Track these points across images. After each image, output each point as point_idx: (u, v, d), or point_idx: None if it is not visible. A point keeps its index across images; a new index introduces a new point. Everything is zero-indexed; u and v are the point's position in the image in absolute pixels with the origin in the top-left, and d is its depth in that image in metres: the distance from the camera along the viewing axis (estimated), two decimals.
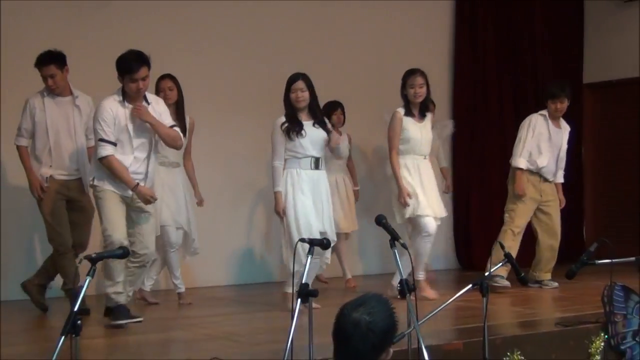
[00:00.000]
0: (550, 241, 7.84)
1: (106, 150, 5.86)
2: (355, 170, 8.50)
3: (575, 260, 5.32)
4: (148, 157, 6.07)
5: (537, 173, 7.75)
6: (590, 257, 5.12)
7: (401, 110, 7.02)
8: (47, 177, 6.64)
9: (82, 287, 3.65)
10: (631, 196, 8.99)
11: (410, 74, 7.01)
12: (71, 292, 6.66)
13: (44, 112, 6.63)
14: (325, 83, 7.64)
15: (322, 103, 7.67)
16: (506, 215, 7.76)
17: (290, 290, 6.30)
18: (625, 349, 5.65)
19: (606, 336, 5.61)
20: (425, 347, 4.13)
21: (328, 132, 6.60)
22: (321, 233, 6.46)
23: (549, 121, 7.76)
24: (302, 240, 4.46)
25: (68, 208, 6.76)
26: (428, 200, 6.98)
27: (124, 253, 4.17)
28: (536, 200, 7.77)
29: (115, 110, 5.90)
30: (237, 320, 6.51)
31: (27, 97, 6.66)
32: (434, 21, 10.00)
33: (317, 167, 6.58)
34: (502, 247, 4.78)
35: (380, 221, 4.63)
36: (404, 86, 7.01)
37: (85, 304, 5.65)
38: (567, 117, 8.54)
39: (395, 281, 6.87)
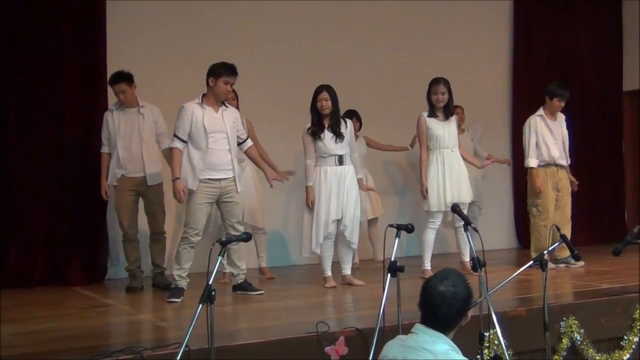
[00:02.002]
0: (566, 228, 7.42)
1: (174, 143, 5.98)
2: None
3: (620, 240, 5.20)
4: (230, 151, 6.07)
5: (553, 164, 7.50)
6: (634, 237, 5.00)
7: (425, 113, 6.93)
8: (118, 177, 6.75)
9: (214, 265, 3.69)
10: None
11: (435, 82, 6.91)
12: (131, 273, 6.85)
13: (114, 123, 6.77)
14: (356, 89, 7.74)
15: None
16: (533, 209, 7.45)
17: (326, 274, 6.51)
18: None
19: None
20: (495, 313, 4.12)
21: (341, 136, 6.48)
22: (337, 220, 6.45)
23: (546, 119, 7.50)
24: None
25: (143, 202, 6.89)
26: (452, 189, 6.82)
27: (247, 237, 4.22)
28: (554, 188, 7.50)
29: (192, 111, 5.98)
30: (322, 293, 6.39)
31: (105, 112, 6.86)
32: (493, 44, 9.86)
33: (341, 163, 6.51)
34: (558, 229, 4.69)
35: (455, 209, 4.62)
36: (429, 92, 6.92)
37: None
38: (610, 119, 8.32)
39: (466, 258, 6.86)
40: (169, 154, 6.20)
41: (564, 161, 7.57)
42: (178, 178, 5.90)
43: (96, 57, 7.44)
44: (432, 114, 6.93)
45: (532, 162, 7.44)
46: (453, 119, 7.03)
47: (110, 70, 7.37)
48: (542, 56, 9.92)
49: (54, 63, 7.30)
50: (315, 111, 6.50)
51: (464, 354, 3.14)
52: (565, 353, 5.08)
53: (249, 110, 7.28)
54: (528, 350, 4.92)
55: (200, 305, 3.58)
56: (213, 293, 3.59)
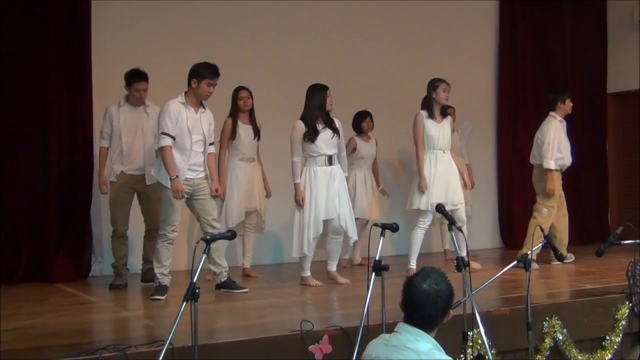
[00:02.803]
0: (565, 221, 7.65)
1: (165, 141, 5.88)
2: (378, 172, 8.29)
3: (603, 241, 5.23)
4: (204, 153, 6.08)
5: (560, 170, 7.62)
6: (616, 239, 5.03)
7: (423, 112, 6.89)
8: (118, 173, 6.70)
9: (199, 262, 3.68)
10: None
11: (441, 81, 6.87)
12: (116, 270, 6.78)
13: (119, 118, 6.71)
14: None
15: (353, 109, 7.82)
16: (544, 210, 7.47)
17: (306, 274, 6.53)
18: None
19: (630, 304, 5.51)
20: (478, 313, 4.13)
21: (337, 132, 6.52)
22: (327, 220, 6.45)
23: (562, 124, 7.65)
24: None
25: (138, 199, 6.84)
26: (440, 191, 6.80)
27: (232, 235, 4.21)
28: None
29: (177, 110, 5.92)
30: (307, 291, 6.39)
31: (106, 105, 6.79)
32: (478, 44, 9.89)
33: (330, 163, 6.49)
34: (542, 230, 4.71)
35: (440, 209, 4.63)
36: (434, 90, 6.83)
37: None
38: (594, 121, 8.40)
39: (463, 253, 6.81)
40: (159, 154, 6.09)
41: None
42: (177, 177, 5.84)
43: (81, 57, 7.38)
44: (431, 114, 6.88)
45: (552, 163, 7.48)
46: (448, 121, 7.02)
47: (95, 70, 7.37)
48: (527, 57, 9.97)
49: (39, 63, 7.23)
50: (316, 108, 6.45)
51: (448, 353, 3.15)
52: (548, 353, 5.11)
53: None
54: (511, 350, 4.95)
55: (184, 303, 3.57)
56: (197, 291, 3.58)
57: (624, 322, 5.44)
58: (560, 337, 5.14)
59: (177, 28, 7.97)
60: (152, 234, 6.74)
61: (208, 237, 3.92)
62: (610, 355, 5.38)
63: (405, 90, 8.50)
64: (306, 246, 6.41)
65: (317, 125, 6.45)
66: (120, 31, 7.69)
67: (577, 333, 5.26)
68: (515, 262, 4.46)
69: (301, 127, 6.44)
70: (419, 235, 6.92)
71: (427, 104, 6.91)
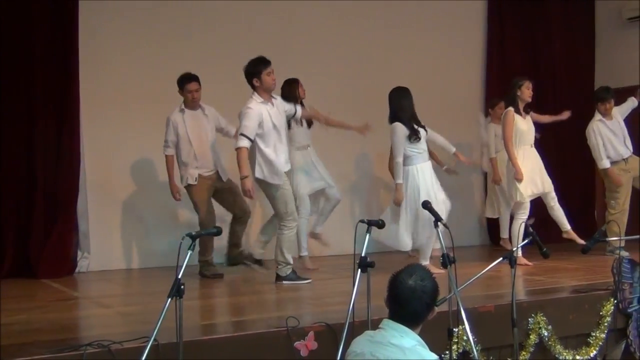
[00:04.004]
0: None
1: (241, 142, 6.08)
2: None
3: (589, 238, 5.25)
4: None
5: (622, 160, 7.97)
6: (602, 235, 5.06)
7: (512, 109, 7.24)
8: (196, 177, 6.84)
9: (184, 258, 3.67)
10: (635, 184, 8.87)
11: (526, 79, 7.33)
12: (208, 262, 6.98)
13: (184, 126, 6.85)
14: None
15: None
16: (612, 202, 7.94)
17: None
18: (632, 312, 5.58)
19: (615, 301, 5.53)
20: (464, 310, 4.14)
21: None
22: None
23: (605, 121, 7.93)
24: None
25: (217, 196, 7.01)
26: (534, 182, 7.28)
27: (217, 232, 4.20)
28: (627, 178, 7.99)
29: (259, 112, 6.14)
30: (293, 288, 6.38)
31: (167, 115, 6.81)
32: (466, 43, 9.90)
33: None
34: (527, 227, 4.72)
35: (426, 206, 4.64)
36: (519, 88, 7.23)
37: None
38: (581, 119, 8.44)
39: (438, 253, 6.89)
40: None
41: (628, 154, 8.04)
42: (247, 176, 6.10)
43: (68, 54, 7.35)
44: (517, 111, 7.25)
45: (605, 163, 7.95)
46: (529, 116, 7.41)
47: (83, 69, 7.34)
48: (515, 55, 10.00)
49: (25, 63, 7.22)
50: (409, 109, 6.74)
51: (433, 350, 3.16)
52: (533, 349, 5.12)
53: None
54: (496, 346, 4.95)
55: (169, 299, 3.56)
56: (182, 287, 3.58)
57: (609, 319, 5.46)
58: (546, 334, 5.15)
59: (165, 27, 7.95)
60: (237, 219, 6.96)
61: (193, 233, 3.91)
62: (595, 352, 5.40)
63: (393, 86, 8.48)
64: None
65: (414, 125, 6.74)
66: (107, 28, 7.67)
67: (562, 329, 5.28)
68: (501, 258, 4.47)
69: (402, 129, 6.69)
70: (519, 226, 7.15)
71: (513, 101, 7.24)
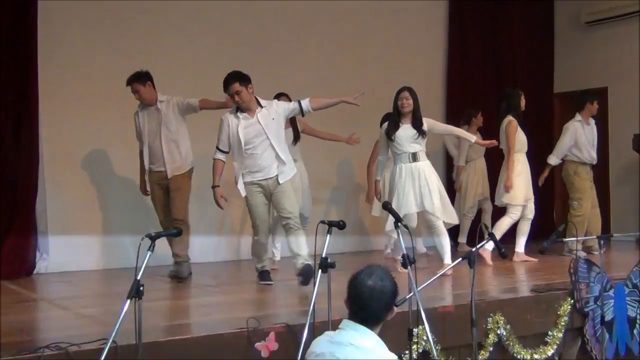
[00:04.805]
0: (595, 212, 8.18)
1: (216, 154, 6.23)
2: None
3: (548, 238, 5.32)
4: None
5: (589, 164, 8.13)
6: (559, 236, 5.13)
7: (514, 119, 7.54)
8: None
9: (144, 259, 3.66)
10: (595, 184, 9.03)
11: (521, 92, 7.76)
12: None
13: (139, 123, 6.82)
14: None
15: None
16: (575, 203, 8.02)
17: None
18: (588, 311, 5.66)
19: (572, 301, 5.62)
20: (423, 310, 4.18)
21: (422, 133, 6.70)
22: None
23: (584, 124, 8.14)
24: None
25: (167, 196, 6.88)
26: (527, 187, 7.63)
27: (177, 232, 4.19)
28: (591, 184, 8.16)
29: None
30: (254, 289, 6.37)
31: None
32: (428, 44, 9.97)
33: (415, 160, 6.63)
34: (486, 227, 4.78)
35: (386, 207, 4.67)
36: (519, 97, 7.64)
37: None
38: (540, 122, 8.57)
39: (398, 255, 6.93)
40: None
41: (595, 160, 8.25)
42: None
43: (27, 56, 7.23)
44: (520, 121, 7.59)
45: (556, 160, 8.22)
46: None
47: (42, 66, 7.23)
48: (476, 56, 10.11)
49: None
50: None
51: (393, 350, 3.18)
52: (491, 348, 5.18)
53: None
54: (456, 346, 5.00)
55: (128, 301, 3.54)
56: (141, 288, 3.56)
57: (566, 318, 5.54)
58: (504, 333, 5.22)
59: (124, 26, 7.88)
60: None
61: (153, 233, 3.89)
62: (552, 351, 5.48)
63: (354, 89, 8.49)
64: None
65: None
66: (67, 31, 7.57)
67: (521, 329, 5.34)
68: (460, 259, 4.52)
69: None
70: (513, 225, 7.54)
71: (516, 111, 7.56)
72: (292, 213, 6.11)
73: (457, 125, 7.93)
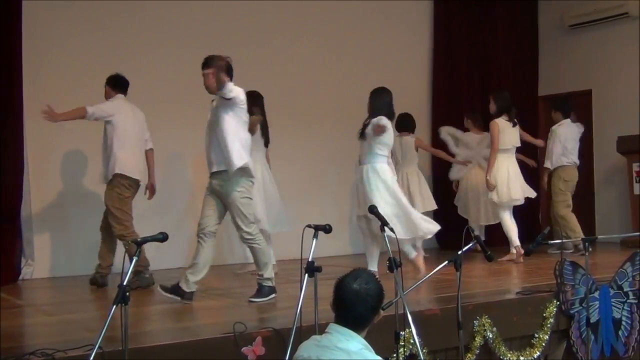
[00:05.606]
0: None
1: None
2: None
3: (533, 241, 5.35)
4: None
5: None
6: (544, 238, 5.15)
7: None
8: None
9: (130, 265, 3.66)
10: (578, 188, 9.06)
11: None
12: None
13: None
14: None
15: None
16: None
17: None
18: (574, 313, 5.68)
19: (558, 303, 5.64)
20: (410, 313, 4.18)
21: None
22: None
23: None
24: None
25: None
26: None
27: (163, 237, 4.18)
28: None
29: None
30: (241, 293, 6.32)
31: None
32: (413, 46, 10.00)
33: None
34: (472, 230, 4.79)
35: (372, 210, 4.68)
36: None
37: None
38: (525, 124, 8.61)
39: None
40: None
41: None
42: None
43: (10, 58, 7.22)
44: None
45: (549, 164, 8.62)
46: None
47: (26, 72, 7.20)
48: (461, 58, 10.14)
49: None
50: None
51: (380, 353, 3.20)
52: (478, 351, 5.19)
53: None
54: (443, 349, 5.02)
55: (114, 306, 3.53)
56: (127, 294, 3.55)
57: (551, 320, 5.56)
58: (490, 336, 5.23)
59: (108, 31, 7.88)
60: None
61: (138, 239, 3.89)
62: (538, 353, 5.50)
63: (340, 90, 8.55)
64: None
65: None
66: (52, 30, 7.56)
67: (507, 331, 5.36)
68: (446, 262, 4.53)
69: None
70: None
71: (509, 112, 7.91)
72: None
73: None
